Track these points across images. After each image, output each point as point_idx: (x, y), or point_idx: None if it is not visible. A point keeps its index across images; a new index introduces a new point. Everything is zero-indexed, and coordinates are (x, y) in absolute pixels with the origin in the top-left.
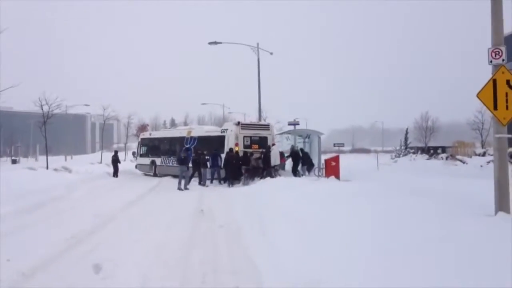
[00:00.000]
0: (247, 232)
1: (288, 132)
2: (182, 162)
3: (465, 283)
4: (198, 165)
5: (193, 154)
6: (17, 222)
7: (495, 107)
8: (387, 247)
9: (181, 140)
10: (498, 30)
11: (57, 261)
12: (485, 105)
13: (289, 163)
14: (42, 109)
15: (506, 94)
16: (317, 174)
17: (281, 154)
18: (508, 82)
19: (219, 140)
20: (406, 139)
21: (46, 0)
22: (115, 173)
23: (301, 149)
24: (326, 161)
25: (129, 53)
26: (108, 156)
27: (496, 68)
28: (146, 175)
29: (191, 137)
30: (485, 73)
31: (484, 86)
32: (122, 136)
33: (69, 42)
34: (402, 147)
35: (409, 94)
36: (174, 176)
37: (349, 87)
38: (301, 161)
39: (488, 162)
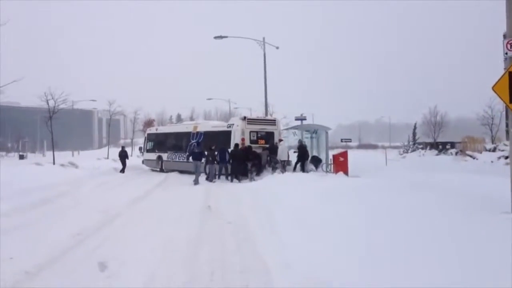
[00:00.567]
0: (255, 229)
1: (295, 127)
2: (196, 157)
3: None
4: (212, 161)
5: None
6: (22, 218)
7: (511, 100)
8: (404, 246)
9: (187, 135)
10: None
11: (62, 259)
12: (500, 98)
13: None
14: (48, 104)
15: None
16: (325, 169)
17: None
18: None
19: (226, 135)
20: (414, 134)
21: None
22: (123, 169)
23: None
24: (334, 156)
25: (134, 49)
26: (114, 151)
27: None
28: (153, 170)
29: (197, 132)
30: (495, 67)
31: (499, 79)
32: (129, 132)
33: (74, 37)
34: (411, 143)
35: (415, 89)
36: (181, 172)
37: (354, 82)
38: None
39: (499, 158)
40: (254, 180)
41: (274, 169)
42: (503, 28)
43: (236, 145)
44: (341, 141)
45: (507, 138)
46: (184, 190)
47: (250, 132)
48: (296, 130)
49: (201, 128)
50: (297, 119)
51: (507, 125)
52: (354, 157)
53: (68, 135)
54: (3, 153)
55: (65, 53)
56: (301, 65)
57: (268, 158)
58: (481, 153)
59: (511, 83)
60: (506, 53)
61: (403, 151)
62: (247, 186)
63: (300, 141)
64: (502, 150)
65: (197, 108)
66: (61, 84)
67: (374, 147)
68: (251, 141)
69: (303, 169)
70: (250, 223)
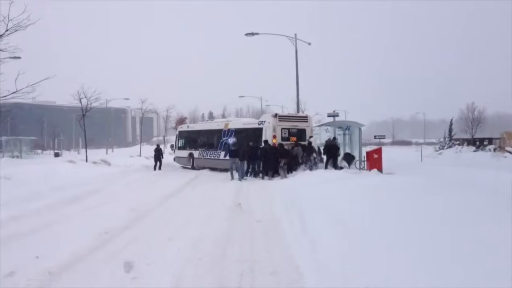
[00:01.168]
0: (287, 228)
1: (328, 124)
2: (233, 154)
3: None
4: (245, 158)
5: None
6: (52, 216)
7: None
8: (448, 249)
9: (218, 132)
10: None
11: (87, 259)
12: None
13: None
14: (81, 102)
15: None
16: (358, 167)
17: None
18: None
19: (257, 132)
20: (450, 130)
21: None
22: (159, 167)
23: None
24: (367, 153)
25: (166, 48)
26: (147, 149)
27: None
28: (184, 168)
29: (229, 129)
30: None
31: None
32: (162, 129)
33: (109, 36)
34: (447, 139)
35: (450, 85)
36: (212, 169)
37: (388, 78)
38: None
39: None
40: (286, 177)
41: (310, 167)
42: None
43: (266, 141)
44: (375, 138)
45: None
46: (215, 187)
47: (282, 129)
48: (329, 127)
49: (232, 126)
50: (329, 115)
51: None
52: (388, 154)
53: (103, 133)
54: (39, 151)
55: (99, 52)
56: (335, 61)
57: (301, 155)
58: None
59: None
60: None
61: (439, 147)
62: (279, 183)
63: (329, 139)
64: None
65: (229, 106)
66: (94, 83)
67: (408, 143)
68: (283, 138)
69: (335, 166)
70: (282, 223)
